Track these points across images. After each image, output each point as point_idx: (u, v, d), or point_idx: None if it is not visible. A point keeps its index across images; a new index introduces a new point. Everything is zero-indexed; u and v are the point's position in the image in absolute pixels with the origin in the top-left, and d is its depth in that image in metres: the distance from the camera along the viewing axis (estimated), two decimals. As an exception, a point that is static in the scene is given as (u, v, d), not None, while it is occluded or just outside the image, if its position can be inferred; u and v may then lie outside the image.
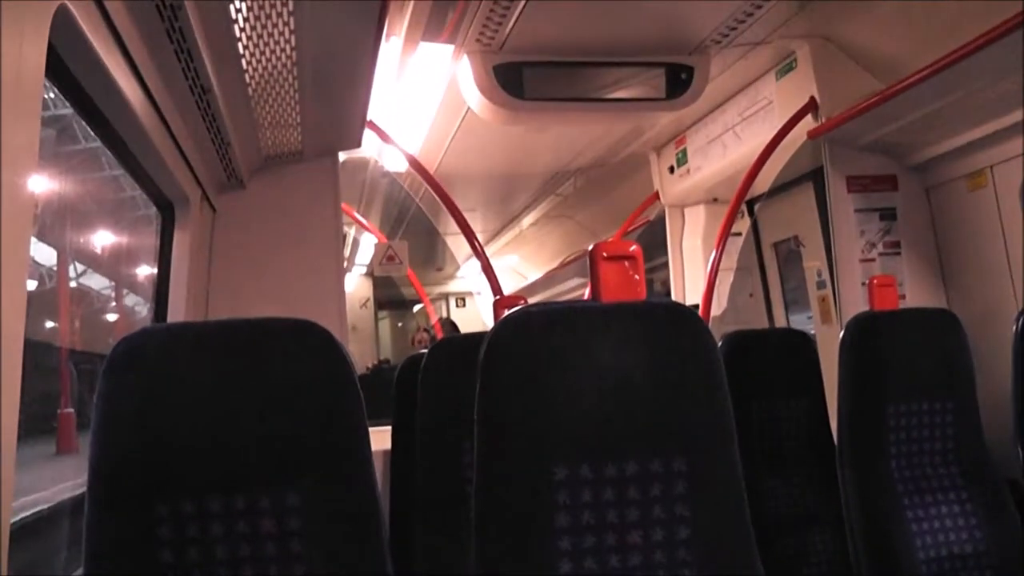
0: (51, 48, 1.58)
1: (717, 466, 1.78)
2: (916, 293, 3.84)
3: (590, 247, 1.87)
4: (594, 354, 1.76)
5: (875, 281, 3.06)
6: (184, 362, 1.76)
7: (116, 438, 1.70)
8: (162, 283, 3.25)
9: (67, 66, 1.92)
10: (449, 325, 8.14)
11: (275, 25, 2.42)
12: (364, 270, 11.10)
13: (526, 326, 1.76)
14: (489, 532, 1.70)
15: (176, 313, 3.20)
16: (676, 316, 1.84)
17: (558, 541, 1.68)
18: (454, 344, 3.09)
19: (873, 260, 3.87)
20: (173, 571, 1.70)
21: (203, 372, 1.76)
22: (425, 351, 3.08)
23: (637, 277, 1.85)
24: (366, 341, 12.32)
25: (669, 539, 1.72)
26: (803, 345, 3.45)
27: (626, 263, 1.85)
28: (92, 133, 2.45)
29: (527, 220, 8.17)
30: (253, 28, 2.41)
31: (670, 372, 1.79)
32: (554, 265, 9.38)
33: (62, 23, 1.64)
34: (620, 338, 1.79)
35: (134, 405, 1.71)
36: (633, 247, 1.87)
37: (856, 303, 3.65)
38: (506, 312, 1.80)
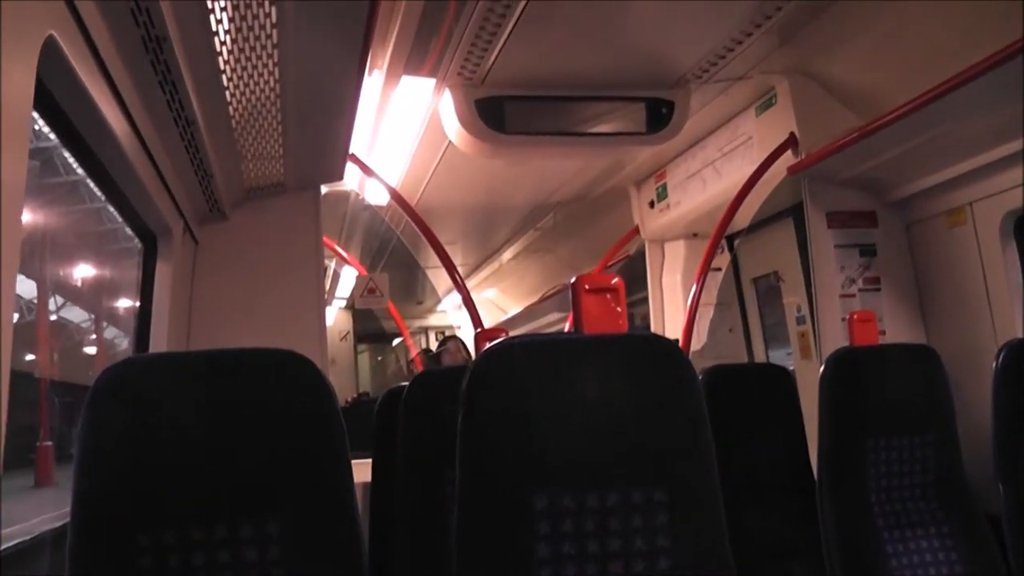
0: (38, 80, 1.59)
1: (698, 497, 1.78)
2: (896, 328, 3.86)
3: (572, 279, 1.88)
4: (576, 386, 1.76)
5: (855, 316, 3.08)
6: (167, 392, 1.76)
7: (99, 468, 1.69)
8: (144, 314, 3.24)
9: (54, 97, 1.92)
10: (457, 343, 8.05)
11: (259, 58, 2.44)
12: (344, 303, 11.06)
13: (509, 358, 1.77)
14: (470, 562, 1.69)
15: (158, 345, 3.19)
16: (658, 348, 1.85)
17: (540, 571, 1.68)
18: (435, 377, 3.09)
19: (853, 296, 3.88)
20: None
21: (186, 402, 1.76)
22: (406, 384, 3.07)
23: (619, 309, 1.86)
24: (346, 374, 12.26)
25: (650, 570, 1.72)
26: (782, 379, 3.46)
27: (608, 296, 1.86)
28: (72, 166, 2.45)
29: (507, 254, 8.16)
30: (237, 61, 2.42)
31: (652, 404, 1.79)
32: (533, 299, 9.36)
33: (50, 55, 1.65)
34: (602, 370, 1.79)
35: (117, 435, 1.70)
36: (615, 280, 1.88)
37: (836, 338, 3.67)
38: (488, 344, 1.81)
